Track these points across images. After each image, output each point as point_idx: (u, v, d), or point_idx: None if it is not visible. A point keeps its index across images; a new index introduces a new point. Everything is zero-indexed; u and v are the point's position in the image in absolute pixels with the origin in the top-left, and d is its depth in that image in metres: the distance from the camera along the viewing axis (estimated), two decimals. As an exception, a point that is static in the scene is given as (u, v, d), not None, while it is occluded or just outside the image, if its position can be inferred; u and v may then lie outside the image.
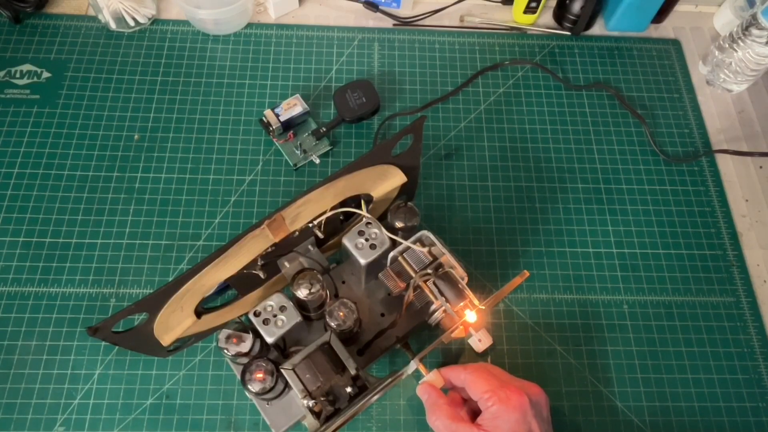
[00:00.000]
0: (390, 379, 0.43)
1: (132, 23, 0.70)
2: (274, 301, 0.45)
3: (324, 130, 0.64)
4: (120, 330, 0.41)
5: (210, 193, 0.62)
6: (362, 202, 0.48)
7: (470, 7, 0.76)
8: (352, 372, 0.43)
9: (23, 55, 0.68)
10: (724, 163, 0.67)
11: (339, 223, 0.51)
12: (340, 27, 0.73)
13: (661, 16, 0.75)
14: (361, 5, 0.74)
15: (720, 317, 0.58)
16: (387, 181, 0.48)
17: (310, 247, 0.49)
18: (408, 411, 0.53)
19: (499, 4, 0.77)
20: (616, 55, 0.74)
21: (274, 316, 0.45)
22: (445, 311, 0.46)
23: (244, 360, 0.46)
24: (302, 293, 0.45)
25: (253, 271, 0.46)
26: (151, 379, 0.53)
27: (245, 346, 0.45)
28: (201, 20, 0.68)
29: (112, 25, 0.70)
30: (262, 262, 0.45)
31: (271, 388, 0.43)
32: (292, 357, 0.44)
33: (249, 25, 0.72)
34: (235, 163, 0.63)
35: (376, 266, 0.48)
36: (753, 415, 0.54)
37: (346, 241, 0.48)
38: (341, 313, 0.45)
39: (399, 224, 0.50)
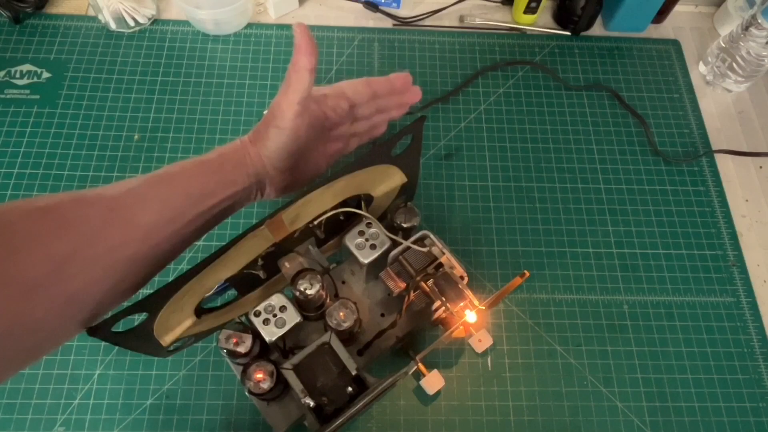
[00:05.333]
0: (390, 379, 0.43)
1: (132, 23, 0.70)
2: (274, 301, 0.45)
3: (324, 130, 0.64)
4: (120, 330, 0.41)
5: (210, 193, 0.61)
6: (362, 202, 0.48)
7: (470, 7, 0.76)
8: (352, 372, 0.43)
9: (23, 55, 0.68)
10: (724, 163, 0.67)
11: (339, 223, 0.51)
12: (340, 27, 0.73)
13: (661, 16, 0.75)
14: (361, 5, 0.74)
15: (720, 317, 0.58)
16: (387, 181, 0.48)
17: (310, 247, 0.49)
18: (408, 411, 0.53)
19: (499, 4, 0.77)
20: (616, 56, 0.74)
21: (274, 316, 0.45)
22: (445, 311, 0.46)
23: (244, 360, 0.46)
24: (302, 293, 0.45)
25: (253, 271, 0.46)
26: (151, 379, 0.53)
27: (245, 347, 0.45)
28: (201, 20, 0.68)
29: (112, 25, 0.70)
30: (262, 262, 0.45)
31: (271, 389, 0.43)
32: (292, 357, 0.44)
33: (249, 25, 0.72)
34: (235, 163, 0.63)
35: (376, 266, 0.48)
36: (753, 415, 0.54)
37: (347, 241, 0.48)
38: (341, 313, 0.45)
39: (399, 224, 0.50)
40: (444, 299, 0.45)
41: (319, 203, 0.44)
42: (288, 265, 0.48)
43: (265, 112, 0.64)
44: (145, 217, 0.35)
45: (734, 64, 0.68)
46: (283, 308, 0.45)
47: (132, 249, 0.35)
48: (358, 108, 0.46)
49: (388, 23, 0.74)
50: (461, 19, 0.76)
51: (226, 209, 0.41)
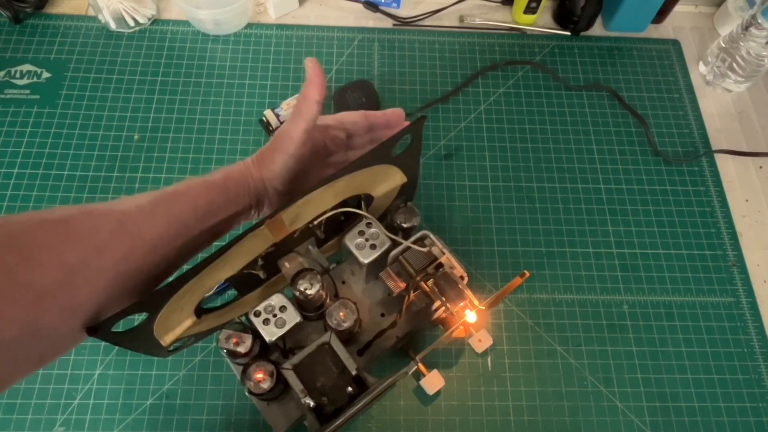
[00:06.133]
0: (390, 379, 0.43)
1: (132, 23, 0.70)
2: (274, 301, 0.45)
3: (324, 130, 0.64)
4: (120, 330, 0.41)
5: (210, 193, 0.61)
6: (362, 202, 0.48)
7: (470, 7, 0.76)
8: (352, 372, 0.43)
9: (23, 55, 0.68)
10: (724, 163, 0.67)
11: (339, 223, 0.51)
12: (340, 27, 0.73)
13: (661, 16, 0.75)
14: (361, 5, 0.74)
15: (720, 317, 0.58)
16: (387, 181, 0.48)
17: (310, 247, 0.49)
18: (408, 411, 0.53)
19: (499, 4, 0.77)
20: (616, 56, 0.74)
21: (274, 316, 0.45)
22: (445, 311, 0.46)
23: (244, 360, 0.46)
24: (302, 293, 0.45)
25: (253, 271, 0.46)
26: (151, 379, 0.53)
27: (245, 347, 0.45)
28: (201, 20, 0.68)
29: (112, 25, 0.70)
30: (262, 262, 0.45)
31: (271, 389, 0.43)
32: (292, 357, 0.44)
33: (249, 25, 0.72)
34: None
35: (376, 266, 0.48)
36: (753, 415, 0.54)
37: (347, 241, 0.47)
38: (341, 313, 0.45)
39: (399, 224, 0.50)
40: (444, 299, 0.45)
41: (319, 203, 0.44)
42: (288, 265, 0.48)
43: (264, 112, 0.64)
44: (152, 232, 0.37)
45: (734, 64, 0.68)
46: (283, 308, 0.45)
47: (137, 262, 0.36)
48: (354, 138, 0.48)
49: (388, 23, 0.74)
50: (461, 19, 0.76)
51: (226, 226, 0.43)
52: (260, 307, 0.45)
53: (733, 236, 0.63)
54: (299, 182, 0.45)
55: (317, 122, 0.43)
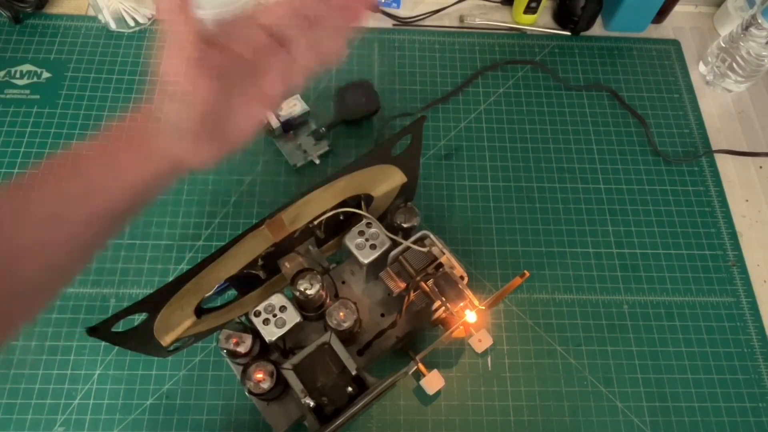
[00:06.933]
0: (390, 379, 0.43)
1: (132, 23, 0.70)
2: (274, 301, 0.45)
3: (324, 130, 0.64)
4: (120, 330, 0.41)
5: (210, 193, 0.61)
6: (362, 202, 0.48)
7: (470, 7, 0.76)
8: (352, 372, 0.43)
9: (23, 55, 0.68)
10: (724, 163, 0.67)
11: (339, 223, 0.51)
12: (340, 27, 0.73)
13: (660, 16, 0.75)
14: (361, 5, 0.74)
15: (720, 317, 0.58)
16: (387, 181, 0.48)
17: (310, 247, 0.49)
18: (408, 411, 0.53)
19: (499, 4, 0.77)
20: (616, 56, 0.74)
21: (274, 316, 0.45)
22: (445, 311, 0.46)
23: (244, 360, 0.46)
24: (302, 293, 0.45)
25: (253, 271, 0.46)
26: (151, 379, 0.53)
27: (245, 347, 0.45)
28: (201, 20, 0.68)
29: (112, 25, 0.70)
30: (262, 262, 0.45)
31: (271, 389, 0.43)
32: (292, 357, 0.44)
33: (249, 25, 0.72)
34: (235, 163, 0.63)
35: (376, 266, 0.48)
36: (753, 415, 0.54)
37: (347, 241, 0.48)
38: (341, 314, 0.45)
39: (399, 224, 0.50)
40: (444, 299, 0.45)
41: (319, 203, 0.44)
42: (288, 265, 0.48)
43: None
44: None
45: (734, 64, 0.68)
46: (283, 308, 0.45)
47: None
48: (283, 29, 0.35)
49: (388, 23, 0.74)
50: (461, 19, 0.76)
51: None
52: (260, 307, 0.45)
53: (733, 236, 0.63)
54: (222, 121, 0.35)
55: (207, 34, 0.33)
